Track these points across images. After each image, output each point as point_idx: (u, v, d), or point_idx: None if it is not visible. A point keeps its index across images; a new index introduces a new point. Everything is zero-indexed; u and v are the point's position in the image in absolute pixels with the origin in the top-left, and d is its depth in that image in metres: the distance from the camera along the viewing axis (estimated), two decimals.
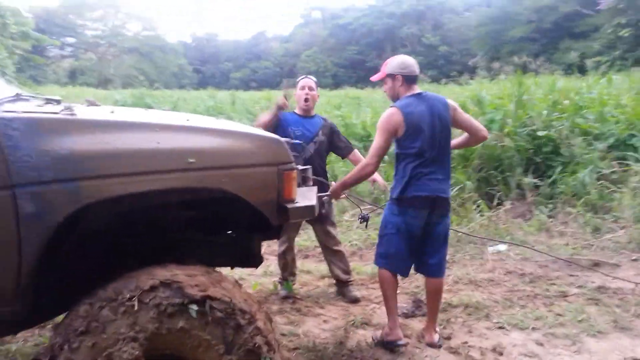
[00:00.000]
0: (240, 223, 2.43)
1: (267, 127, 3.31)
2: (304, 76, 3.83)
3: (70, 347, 1.74)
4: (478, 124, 3.09)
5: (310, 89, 3.69)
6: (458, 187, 5.59)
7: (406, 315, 3.44)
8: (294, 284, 3.89)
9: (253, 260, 2.50)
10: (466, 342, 3.01)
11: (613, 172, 5.65)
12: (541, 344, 2.98)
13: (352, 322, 3.33)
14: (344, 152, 3.78)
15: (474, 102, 6.97)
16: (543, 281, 3.99)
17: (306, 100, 3.66)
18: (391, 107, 2.87)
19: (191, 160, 1.91)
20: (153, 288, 1.84)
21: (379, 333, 3.04)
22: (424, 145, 2.78)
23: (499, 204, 5.53)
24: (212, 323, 1.89)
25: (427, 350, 2.93)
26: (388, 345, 2.92)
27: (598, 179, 5.53)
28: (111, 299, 1.79)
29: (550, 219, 5.27)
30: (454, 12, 45.52)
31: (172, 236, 2.37)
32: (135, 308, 1.80)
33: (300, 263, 4.33)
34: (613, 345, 2.93)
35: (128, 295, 1.81)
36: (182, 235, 2.42)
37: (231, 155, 2.04)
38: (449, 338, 3.08)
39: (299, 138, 3.49)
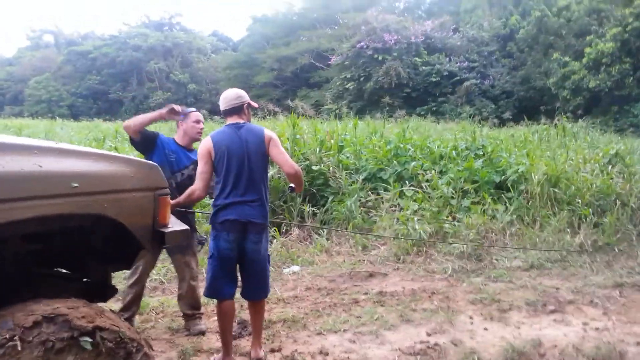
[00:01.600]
0: (94, 254, 2.35)
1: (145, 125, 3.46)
2: (194, 109, 3.78)
3: None
4: (284, 159, 3.16)
5: (202, 122, 3.74)
6: None
7: (234, 337, 3.63)
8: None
9: (107, 292, 2.42)
10: (296, 350, 3.38)
11: (369, 200, 6.87)
12: (354, 342, 3.55)
13: (183, 351, 3.36)
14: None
15: None
16: (337, 292, 4.65)
17: (199, 132, 3.70)
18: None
19: (75, 185, 1.86)
20: (36, 324, 1.71)
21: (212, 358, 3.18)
22: (231, 171, 3.04)
23: (287, 231, 6.15)
24: (104, 354, 1.84)
25: None
26: None
27: (361, 206, 6.65)
28: None
29: (328, 241, 6.10)
30: (201, 52, 46.81)
31: (15, 272, 2.16)
32: (19, 348, 1.65)
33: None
34: (404, 334, 3.68)
35: (7, 335, 1.65)
36: (24, 271, 2.22)
37: (113, 180, 2.03)
38: (279, 350, 3.41)
39: (171, 164, 3.50)
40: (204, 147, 3.10)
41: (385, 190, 7.06)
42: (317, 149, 7.15)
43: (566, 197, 6.66)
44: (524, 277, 5.00)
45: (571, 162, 7.81)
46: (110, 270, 2.44)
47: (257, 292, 3.23)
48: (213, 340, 3.59)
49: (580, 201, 6.50)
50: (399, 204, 6.79)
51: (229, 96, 3.19)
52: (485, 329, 3.76)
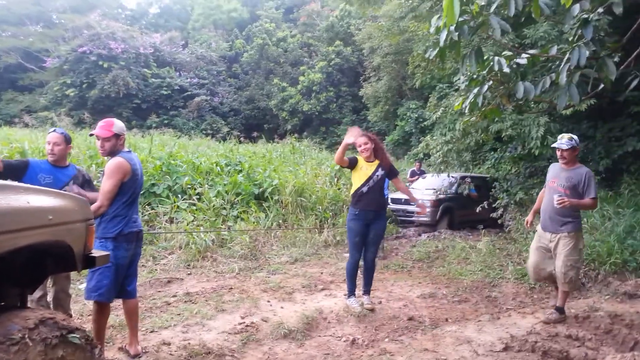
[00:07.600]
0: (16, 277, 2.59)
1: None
2: (52, 130, 3.85)
3: None
4: None
5: (56, 144, 3.77)
6: None
7: None
8: None
9: None
10: (145, 348, 3.88)
11: (145, 214, 7.33)
12: (186, 332, 4.24)
13: None
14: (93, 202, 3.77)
15: None
16: (146, 298, 5.15)
17: (51, 154, 3.78)
18: (118, 158, 3.42)
19: (50, 217, 2.25)
20: (36, 326, 2.09)
21: None
22: (137, 191, 3.58)
23: None
24: (81, 348, 2.29)
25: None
26: None
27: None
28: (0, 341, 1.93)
29: None
30: None
31: None
32: (30, 344, 2.02)
33: None
34: (224, 320, 4.53)
35: (20, 335, 2.00)
36: None
37: (69, 213, 2.43)
38: (125, 347, 3.85)
39: (49, 186, 3.46)
40: (122, 169, 3.39)
41: (160, 203, 7.64)
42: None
43: (310, 204, 8.42)
44: (293, 269, 6.37)
45: (308, 175, 9.74)
46: (27, 293, 2.66)
47: (136, 291, 3.80)
48: None
49: (320, 207, 8.34)
50: (175, 217, 7.46)
51: (122, 125, 3.59)
52: (282, 307, 4.91)
